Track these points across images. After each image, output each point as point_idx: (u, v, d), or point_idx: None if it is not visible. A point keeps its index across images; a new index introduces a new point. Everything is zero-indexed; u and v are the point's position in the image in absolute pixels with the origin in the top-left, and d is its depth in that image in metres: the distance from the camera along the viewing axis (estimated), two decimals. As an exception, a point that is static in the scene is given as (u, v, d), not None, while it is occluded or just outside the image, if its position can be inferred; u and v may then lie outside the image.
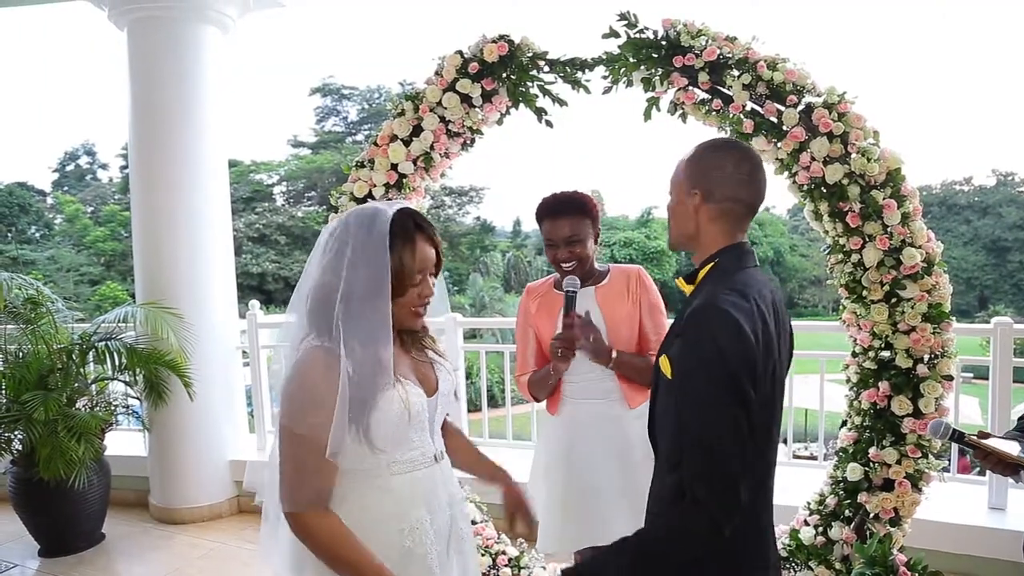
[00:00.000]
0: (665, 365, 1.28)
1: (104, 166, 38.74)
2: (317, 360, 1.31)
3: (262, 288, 30.78)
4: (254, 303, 4.58)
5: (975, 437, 1.57)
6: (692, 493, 1.16)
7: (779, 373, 1.30)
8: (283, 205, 35.60)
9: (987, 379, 3.15)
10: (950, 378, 2.45)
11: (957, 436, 1.59)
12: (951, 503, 3.13)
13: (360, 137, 38.32)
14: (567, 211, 2.08)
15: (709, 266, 1.32)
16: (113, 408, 4.16)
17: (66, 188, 37.07)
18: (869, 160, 2.39)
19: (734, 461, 1.15)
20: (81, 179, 38.30)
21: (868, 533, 2.49)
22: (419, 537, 1.40)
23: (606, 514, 2.06)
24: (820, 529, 2.63)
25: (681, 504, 1.18)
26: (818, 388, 3.59)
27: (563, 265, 2.10)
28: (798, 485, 3.42)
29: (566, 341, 2.01)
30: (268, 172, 36.21)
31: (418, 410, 1.40)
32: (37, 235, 33.24)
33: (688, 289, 1.37)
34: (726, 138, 1.36)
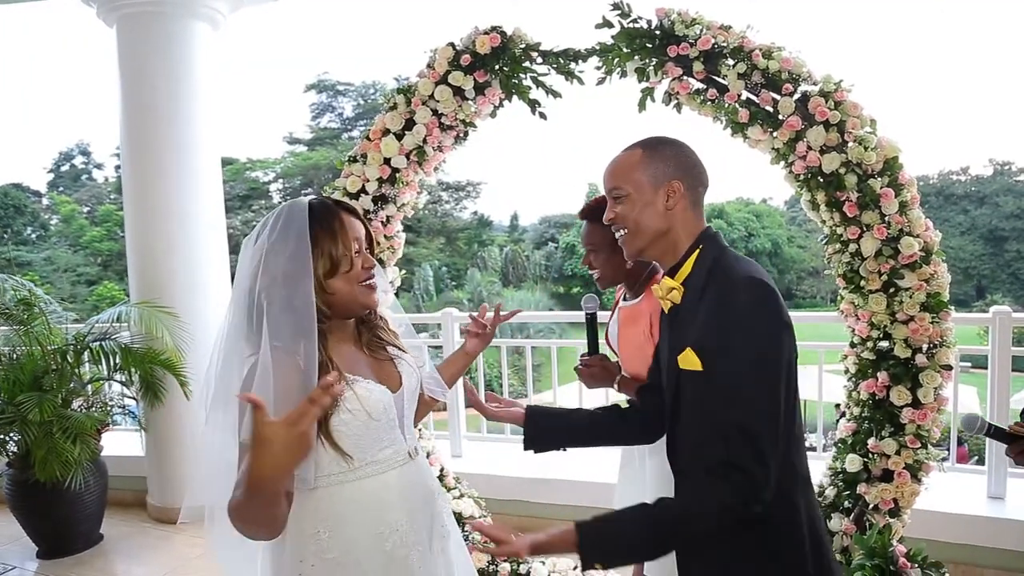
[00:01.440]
0: (691, 360, 1.25)
1: (99, 166, 38.60)
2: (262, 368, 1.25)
3: (260, 286, 30.67)
4: (249, 301, 4.55)
5: (1016, 426, 1.47)
6: (729, 468, 1.15)
7: None
8: (280, 202, 35.30)
9: (984, 368, 3.15)
10: (949, 368, 2.43)
11: (993, 430, 1.51)
12: (950, 493, 3.12)
13: (356, 133, 38.15)
14: (588, 217, 2.03)
15: (696, 252, 1.31)
16: (109, 408, 4.15)
17: (61, 188, 36.92)
18: (866, 148, 2.37)
19: (770, 437, 1.16)
20: (76, 179, 38.13)
21: (868, 524, 2.48)
22: (399, 539, 1.37)
23: None
24: (820, 521, 2.61)
25: (713, 479, 1.16)
26: (816, 379, 3.58)
27: (590, 272, 2.10)
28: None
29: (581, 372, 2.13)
30: (264, 169, 36.08)
31: (382, 408, 1.36)
32: (33, 236, 33.13)
33: (675, 284, 1.32)
34: (660, 135, 1.38)
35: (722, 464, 1.15)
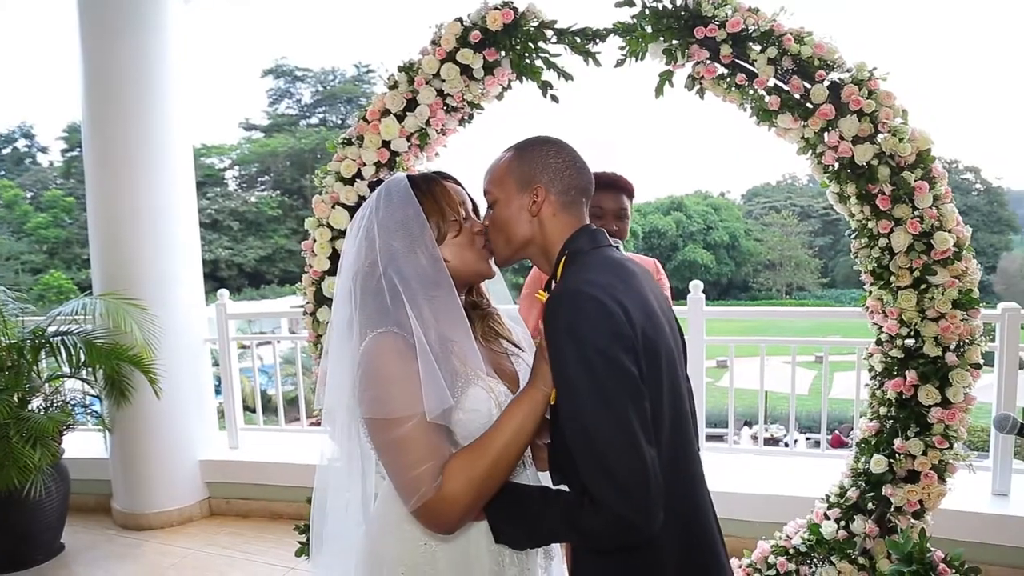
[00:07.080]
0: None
1: (44, 149, 36.73)
2: (385, 344, 1.13)
3: (215, 275, 29.83)
4: (223, 292, 4.30)
5: None
6: (597, 504, 1.02)
7: (672, 349, 1.17)
8: (235, 190, 34.57)
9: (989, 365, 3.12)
10: (978, 366, 2.37)
11: None
12: (954, 490, 3.08)
13: (314, 120, 37.37)
14: (620, 187, 2.19)
15: (564, 258, 1.20)
16: (70, 408, 3.84)
17: (3, 173, 35.12)
18: (901, 140, 2.28)
19: (631, 452, 1.00)
20: (19, 163, 36.26)
21: (892, 527, 2.41)
22: (511, 556, 1.28)
23: None
24: (841, 523, 2.53)
25: (585, 510, 1.05)
26: (781, 370, 3.57)
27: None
28: (800, 474, 3.37)
29: None
30: (219, 156, 35.06)
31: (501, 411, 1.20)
32: (-28, 222, 31.51)
33: (543, 296, 1.19)
34: (535, 136, 1.28)
35: (590, 497, 1.04)
